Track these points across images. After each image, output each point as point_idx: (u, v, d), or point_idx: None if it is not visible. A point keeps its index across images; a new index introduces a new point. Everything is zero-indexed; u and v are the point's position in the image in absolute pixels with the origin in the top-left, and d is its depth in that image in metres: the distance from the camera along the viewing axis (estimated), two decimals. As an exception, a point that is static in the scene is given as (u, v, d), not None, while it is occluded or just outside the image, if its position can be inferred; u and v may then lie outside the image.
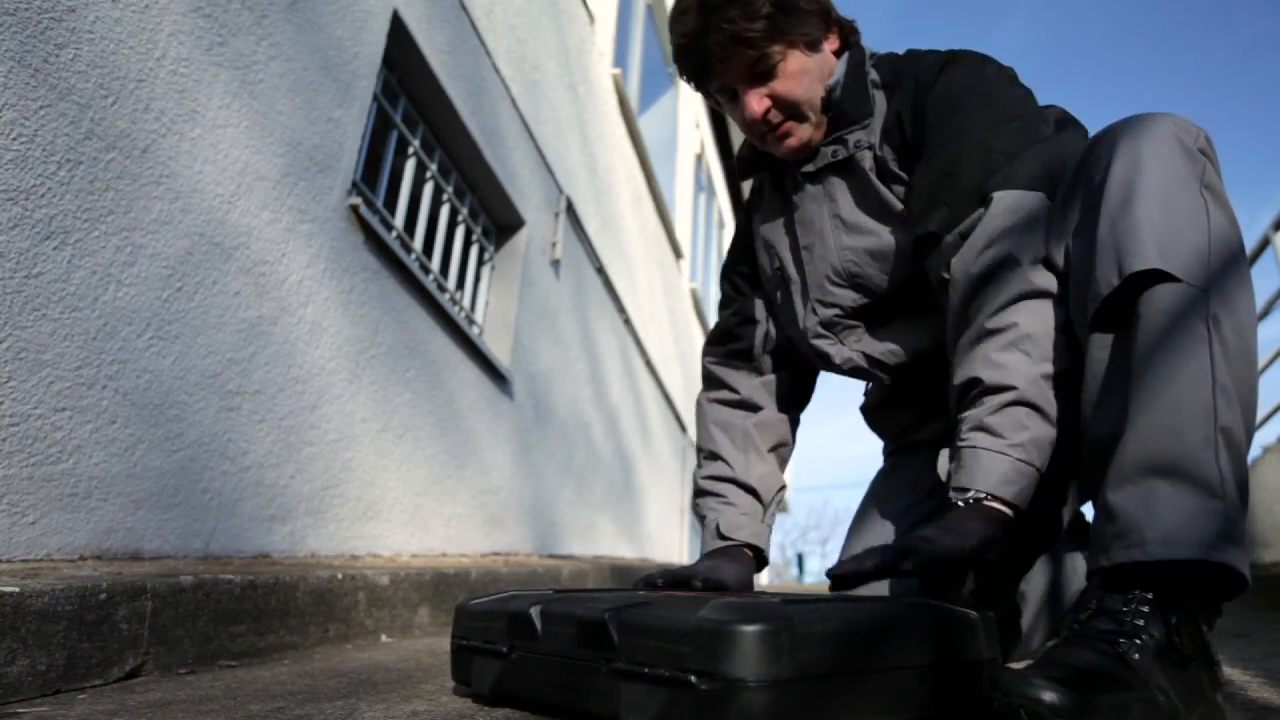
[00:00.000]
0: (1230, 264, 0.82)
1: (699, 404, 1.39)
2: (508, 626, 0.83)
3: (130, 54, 1.49)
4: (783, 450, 1.35)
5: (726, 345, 1.39)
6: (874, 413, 1.41)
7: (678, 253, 7.15)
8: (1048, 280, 0.96)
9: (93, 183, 1.40)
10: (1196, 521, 0.73)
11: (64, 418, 1.33)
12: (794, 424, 1.39)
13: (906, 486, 1.29)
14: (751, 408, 1.34)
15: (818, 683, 0.64)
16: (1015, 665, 0.77)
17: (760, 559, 1.27)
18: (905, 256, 1.14)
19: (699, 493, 1.32)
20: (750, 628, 0.62)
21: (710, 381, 1.39)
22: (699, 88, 1.26)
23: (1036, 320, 0.95)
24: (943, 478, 0.99)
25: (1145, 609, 0.73)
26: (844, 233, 1.20)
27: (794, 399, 1.38)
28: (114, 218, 1.44)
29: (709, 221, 9.48)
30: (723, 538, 1.24)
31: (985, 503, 0.90)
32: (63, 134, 1.34)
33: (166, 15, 1.58)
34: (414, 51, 2.60)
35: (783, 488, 1.34)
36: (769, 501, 1.30)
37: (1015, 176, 1.00)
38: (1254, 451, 4.28)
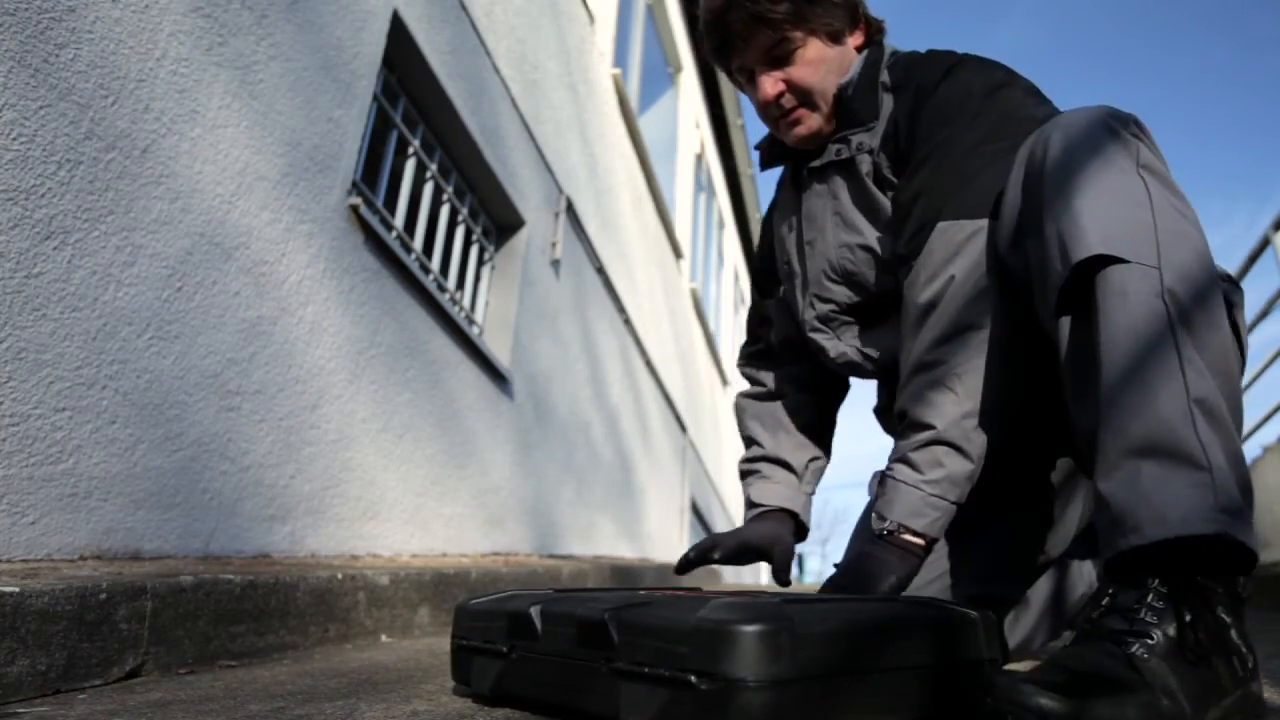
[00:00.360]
0: (1181, 237, 0.81)
1: (736, 406, 1.46)
2: (508, 626, 0.83)
3: (130, 54, 1.49)
4: (812, 430, 1.40)
5: (750, 347, 1.47)
6: (884, 414, 1.43)
7: (678, 253, 7.15)
8: (984, 314, 0.99)
9: (93, 183, 1.40)
10: (1186, 496, 0.71)
11: (64, 418, 1.33)
12: (828, 410, 1.43)
13: None
14: (778, 396, 1.40)
15: (818, 683, 0.64)
16: (1020, 666, 0.76)
17: (799, 524, 1.31)
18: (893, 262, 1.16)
19: (741, 477, 1.38)
20: (750, 628, 0.62)
21: (747, 382, 1.47)
22: (721, 65, 1.29)
23: (967, 357, 0.99)
24: (870, 496, 1.07)
25: (1159, 604, 0.72)
26: (842, 230, 1.21)
27: (821, 388, 1.41)
28: (114, 218, 1.44)
29: (709, 221, 9.48)
30: (754, 505, 1.30)
31: (899, 535, 1.00)
32: (63, 134, 1.34)
33: (166, 15, 1.58)
34: (414, 51, 2.60)
35: (816, 458, 1.38)
36: (802, 470, 1.35)
37: (966, 204, 1.02)
38: (1254, 451, 4.28)
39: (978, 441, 0.99)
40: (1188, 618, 0.72)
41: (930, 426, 1.00)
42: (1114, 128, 0.88)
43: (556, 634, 0.77)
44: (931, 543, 1.00)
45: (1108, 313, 0.79)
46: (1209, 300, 0.79)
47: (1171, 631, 0.71)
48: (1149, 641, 0.70)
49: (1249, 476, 0.75)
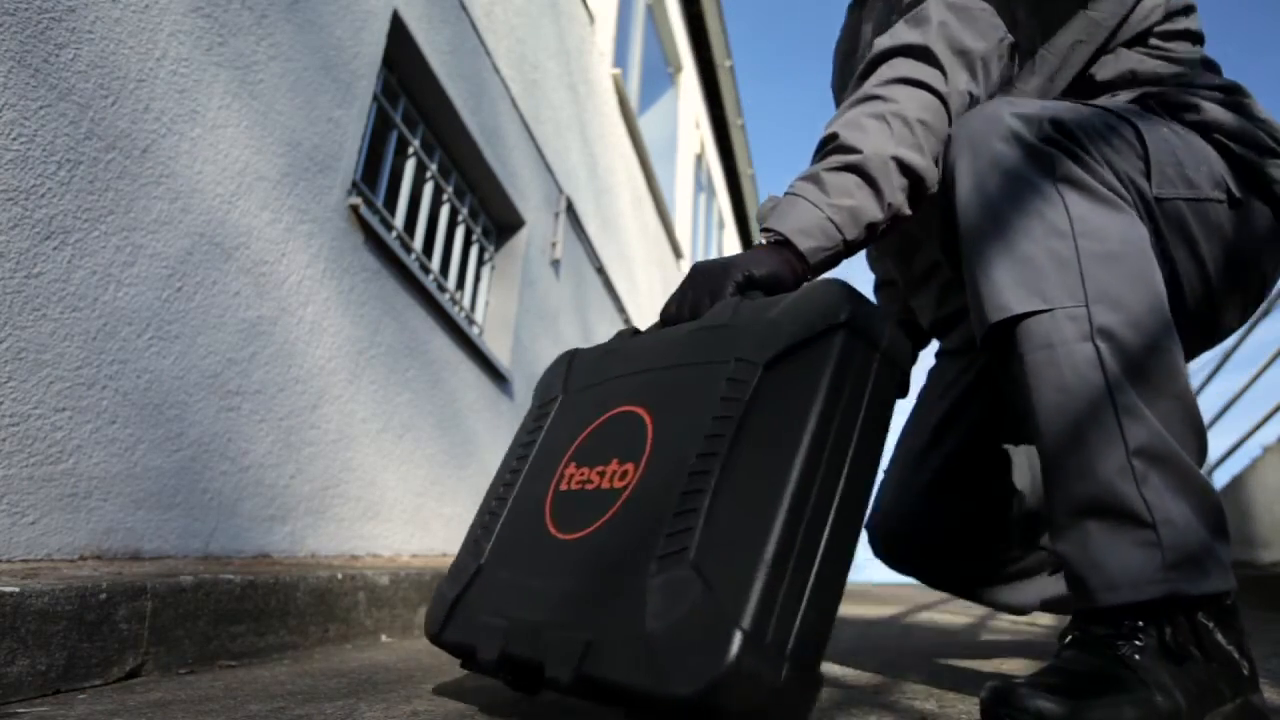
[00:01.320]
0: (1109, 260, 0.76)
1: None
2: (488, 665, 0.79)
3: (130, 54, 1.49)
4: None
5: None
6: (881, 290, 1.38)
7: (678, 253, 7.15)
8: (953, 83, 0.92)
9: (93, 183, 1.40)
10: (1134, 558, 0.71)
11: (64, 418, 1.33)
12: None
13: (922, 429, 1.26)
14: None
15: (811, 606, 0.63)
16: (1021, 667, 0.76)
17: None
18: None
19: None
20: (720, 676, 0.59)
21: None
22: None
23: (917, 107, 0.91)
24: (759, 224, 0.96)
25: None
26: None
27: None
28: (114, 218, 1.44)
29: (709, 221, 9.48)
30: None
31: (781, 245, 0.89)
32: (63, 134, 1.34)
33: (166, 15, 1.58)
34: (414, 51, 2.60)
35: None
36: None
37: None
38: (1254, 451, 4.27)
39: (896, 188, 0.90)
40: (1168, 625, 0.72)
41: (855, 151, 0.89)
42: (1026, 138, 0.81)
43: (532, 669, 0.73)
44: (806, 272, 0.90)
45: (1035, 369, 0.76)
46: (1148, 325, 0.75)
47: (1154, 634, 0.72)
48: (1137, 643, 0.71)
49: (1214, 501, 0.74)
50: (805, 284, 0.82)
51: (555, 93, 4.02)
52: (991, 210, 0.81)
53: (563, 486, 0.85)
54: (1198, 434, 0.76)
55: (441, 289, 3.00)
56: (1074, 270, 0.76)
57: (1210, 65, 1.06)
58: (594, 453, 0.84)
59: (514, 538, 0.88)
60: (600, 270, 4.71)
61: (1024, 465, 1.22)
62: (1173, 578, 0.70)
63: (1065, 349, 0.75)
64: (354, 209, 2.24)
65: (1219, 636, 0.74)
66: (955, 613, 2.55)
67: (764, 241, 0.91)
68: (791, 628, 0.63)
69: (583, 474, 0.83)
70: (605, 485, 0.79)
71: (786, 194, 0.93)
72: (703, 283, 0.88)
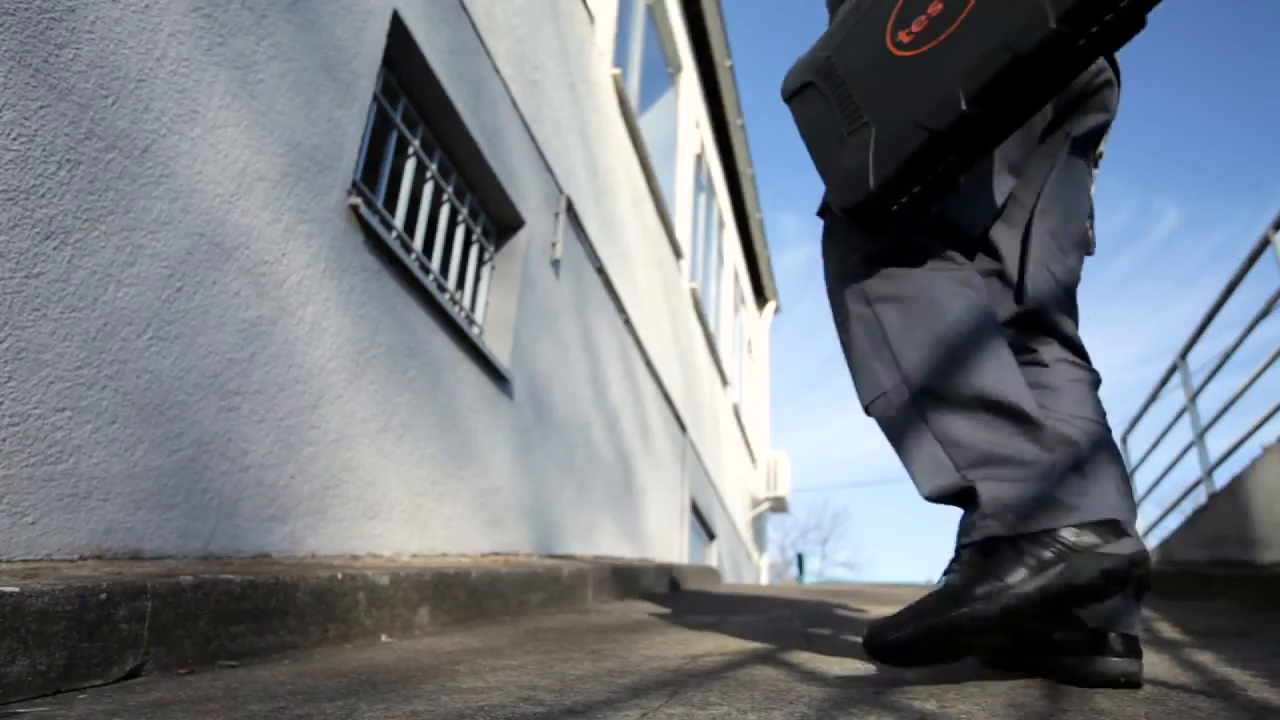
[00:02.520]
0: (898, 348, 1.09)
1: None
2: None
3: (130, 54, 1.49)
4: None
5: None
6: None
7: (678, 253, 7.15)
8: None
9: (93, 183, 1.40)
10: (942, 469, 1.05)
11: (64, 418, 1.33)
12: None
13: None
14: None
15: None
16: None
17: None
18: None
19: None
20: None
21: None
22: None
23: None
24: None
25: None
26: None
27: None
28: (114, 218, 1.44)
29: (709, 221, 9.47)
30: None
31: None
32: (63, 134, 1.34)
33: (166, 15, 1.58)
34: (414, 51, 2.60)
35: None
36: None
37: None
38: (1254, 451, 4.27)
39: None
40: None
41: None
42: (826, 264, 1.21)
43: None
44: None
45: (889, 434, 1.14)
46: (945, 374, 1.05)
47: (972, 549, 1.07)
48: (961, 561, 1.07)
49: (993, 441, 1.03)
50: None
51: (555, 93, 4.03)
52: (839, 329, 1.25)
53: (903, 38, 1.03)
54: (994, 410, 1.03)
55: (441, 289, 3.00)
56: (871, 371, 1.14)
57: None
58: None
59: (880, 81, 1.07)
60: (600, 270, 4.71)
61: None
62: (971, 478, 1.03)
63: (897, 415, 1.11)
64: (354, 209, 2.24)
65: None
66: (955, 613, 2.55)
67: None
68: None
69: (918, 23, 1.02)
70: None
71: None
72: None
